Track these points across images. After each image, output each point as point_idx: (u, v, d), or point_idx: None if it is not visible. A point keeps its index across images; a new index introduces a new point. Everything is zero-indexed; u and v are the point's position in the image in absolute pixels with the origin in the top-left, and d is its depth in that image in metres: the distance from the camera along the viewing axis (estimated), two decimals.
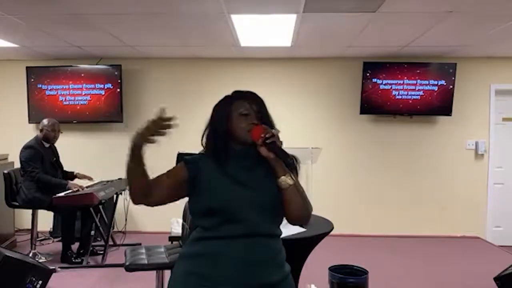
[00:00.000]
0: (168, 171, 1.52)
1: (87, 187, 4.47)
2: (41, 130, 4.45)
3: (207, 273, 1.41)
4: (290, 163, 1.51)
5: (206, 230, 1.46)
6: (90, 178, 4.68)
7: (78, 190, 4.26)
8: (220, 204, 1.42)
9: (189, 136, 5.44)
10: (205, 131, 1.57)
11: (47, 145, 4.46)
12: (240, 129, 1.49)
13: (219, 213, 1.42)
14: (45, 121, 4.48)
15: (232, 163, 1.49)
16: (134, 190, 1.44)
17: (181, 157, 1.61)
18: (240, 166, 1.49)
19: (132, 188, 1.43)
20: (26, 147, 4.35)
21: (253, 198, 1.44)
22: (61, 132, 4.56)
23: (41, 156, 4.33)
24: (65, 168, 4.71)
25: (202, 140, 1.58)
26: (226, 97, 1.59)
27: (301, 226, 2.78)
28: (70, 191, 4.24)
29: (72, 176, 4.65)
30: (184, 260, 1.49)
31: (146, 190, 1.44)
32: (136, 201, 1.45)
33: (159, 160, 5.95)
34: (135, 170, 1.41)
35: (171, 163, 6.29)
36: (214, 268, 1.40)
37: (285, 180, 1.44)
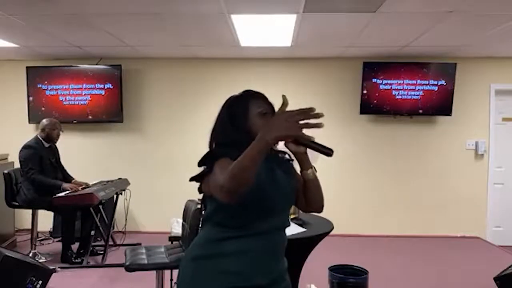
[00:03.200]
0: (224, 166, 1.31)
1: (84, 187, 4.46)
2: (42, 130, 4.45)
3: (237, 270, 1.42)
4: (289, 159, 1.59)
5: (235, 228, 1.44)
6: (86, 184, 4.60)
7: (76, 190, 4.25)
8: (261, 201, 1.43)
9: (189, 136, 5.47)
10: (218, 127, 1.55)
11: (47, 145, 4.46)
12: (260, 128, 1.46)
13: (257, 210, 1.43)
14: (45, 121, 4.48)
15: None
16: (241, 186, 1.23)
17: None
18: (263, 164, 1.38)
19: (242, 184, 1.23)
20: (25, 147, 4.35)
21: (284, 194, 1.52)
22: (62, 131, 4.56)
23: (39, 156, 4.32)
24: (66, 169, 4.71)
25: (214, 136, 1.55)
26: (241, 95, 1.58)
27: (302, 224, 2.78)
28: (70, 191, 4.24)
29: (70, 181, 4.60)
30: (206, 261, 1.45)
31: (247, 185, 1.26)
32: (234, 198, 1.26)
33: (160, 159, 5.92)
34: (256, 166, 1.23)
35: (172, 162, 6.24)
36: (245, 265, 1.43)
37: (313, 171, 1.55)
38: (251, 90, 1.60)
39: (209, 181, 1.40)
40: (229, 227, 1.45)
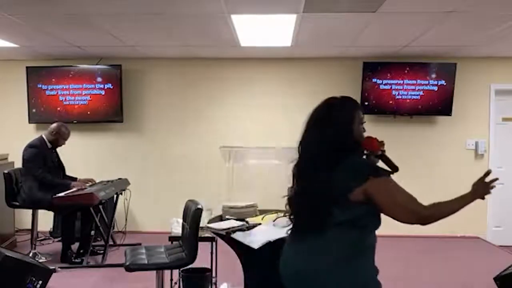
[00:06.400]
0: (407, 193, 1.78)
1: (92, 185, 4.48)
2: (51, 133, 4.44)
3: (372, 262, 1.70)
4: None
5: (373, 228, 1.70)
6: (92, 180, 4.69)
7: (79, 190, 4.25)
8: None
9: (189, 136, 5.47)
10: (330, 130, 1.69)
11: (50, 146, 4.46)
12: (360, 136, 1.80)
13: None
14: (56, 126, 4.46)
15: None
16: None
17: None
18: None
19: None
20: (30, 146, 4.35)
21: None
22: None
23: (43, 156, 4.33)
24: (65, 168, 4.71)
25: (326, 137, 1.68)
26: (347, 102, 1.79)
27: None
28: (70, 190, 4.23)
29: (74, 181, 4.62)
30: (356, 260, 1.63)
31: None
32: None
33: (160, 159, 5.90)
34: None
35: (172, 162, 6.20)
36: (373, 256, 1.71)
37: None
38: (353, 99, 1.81)
39: (394, 196, 1.73)
40: (369, 227, 1.68)
